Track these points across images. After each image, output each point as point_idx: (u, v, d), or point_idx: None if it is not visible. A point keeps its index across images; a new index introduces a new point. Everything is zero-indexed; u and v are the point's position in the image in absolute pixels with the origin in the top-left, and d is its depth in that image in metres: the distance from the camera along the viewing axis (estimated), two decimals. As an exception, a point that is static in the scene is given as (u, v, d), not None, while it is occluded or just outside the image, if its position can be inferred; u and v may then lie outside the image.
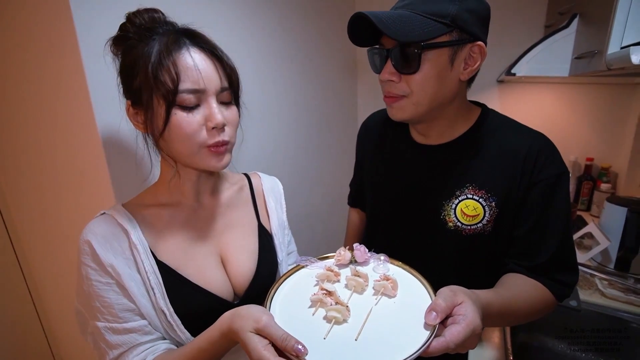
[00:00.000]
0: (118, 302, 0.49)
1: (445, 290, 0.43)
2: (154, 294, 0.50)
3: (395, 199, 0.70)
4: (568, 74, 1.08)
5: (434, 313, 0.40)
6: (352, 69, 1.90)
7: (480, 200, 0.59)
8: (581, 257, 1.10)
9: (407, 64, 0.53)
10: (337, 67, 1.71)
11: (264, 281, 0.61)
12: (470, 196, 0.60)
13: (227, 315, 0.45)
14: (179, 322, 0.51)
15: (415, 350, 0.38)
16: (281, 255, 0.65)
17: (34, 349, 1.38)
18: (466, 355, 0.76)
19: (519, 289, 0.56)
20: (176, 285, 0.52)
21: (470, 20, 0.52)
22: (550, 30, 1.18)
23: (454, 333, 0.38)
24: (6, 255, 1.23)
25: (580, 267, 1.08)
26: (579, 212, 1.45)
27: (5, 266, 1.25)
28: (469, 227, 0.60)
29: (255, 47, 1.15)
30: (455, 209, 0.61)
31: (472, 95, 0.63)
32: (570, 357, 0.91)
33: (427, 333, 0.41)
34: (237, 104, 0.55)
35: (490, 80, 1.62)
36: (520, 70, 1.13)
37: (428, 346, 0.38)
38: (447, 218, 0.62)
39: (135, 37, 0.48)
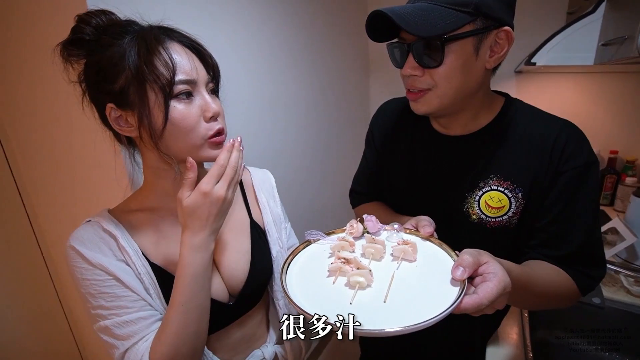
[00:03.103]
0: (123, 294, 0.48)
1: (470, 250, 0.42)
2: (150, 293, 0.50)
3: (415, 191, 0.68)
4: (593, 62, 1.03)
5: (461, 268, 0.40)
6: (365, 64, 1.87)
7: (506, 191, 0.57)
8: (605, 253, 1.06)
9: (430, 57, 0.51)
10: (349, 63, 1.69)
11: (258, 279, 0.60)
12: (494, 187, 0.58)
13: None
14: None
15: (448, 307, 0.37)
16: (275, 250, 0.64)
17: (58, 336, 1.42)
18: (484, 349, 0.75)
19: (540, 268, 0.55)
20: (170, 285, 0.50)
21: (494, 5, 0.49)
22: (574, 17, 1.13)
23: (487, 290, 0.37)
24: (31, 249, 1.27)
25: (604, 264, 1.04)
26: (601, 207, 1.41)
27: (29, 259, 1.29)
28: (493, 220, 0.59)
29: (266, 42, 1.14)
30: (479, 201, 0.59)
31: (491, 85, 0.61)
32: (592, 355, 0.88)
33: (455, 291, 0.40)
34: (218, 96, 0.55)
35: (507, 71, 1.57)
36: (540, 59, 1.09)
37: (460, 302, 0.37)
38: (470, 210, 0.60)
39: (105, 37, 0.45)
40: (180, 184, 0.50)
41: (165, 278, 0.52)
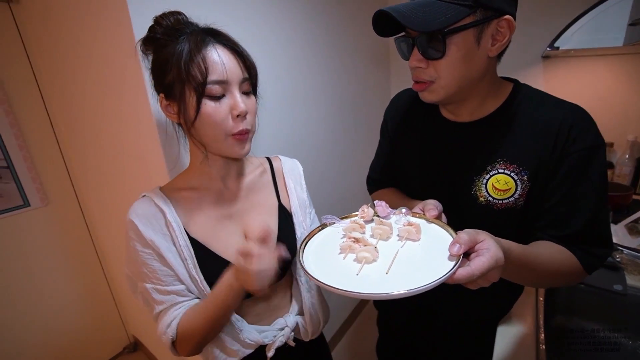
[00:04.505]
0: (160, 269, 0.58)
1: (468, 229, 0.46)
2: (188, 263, 0.59)
3: (426, 177, 0.72)
4: (622, 43, 0.99)
5: (457, 245, 0.44)
6: (386, 58, 1.87)
7: (512, 174, 0.60)
8: (632, 241, 1.03)
9: (434, 50, 0.54)
10: (370, 56, 1.70)
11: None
12: (501, 171, 0.61)
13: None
14: (208, 287, 0.60)
15: (441, 276, 0.42)
16: (300, 232, 0.70)
17: (105, 314, 1.60)
18: (494, 328, 0.77)
19: (543, 247, 0.57)
20: (206, 258, 0.60)
21: None
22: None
23: (479, 263, 0.41)
24: (80, 231, 1.44)
25: (631, 252, 1.01)
26: (636, 197, 1.34)
27: (80, 240, 1.46)
28: (500, 202, 0.61)
29: (286, 37, 1.18)
30: (486, 184, 0.62)
31: (514, 73, 0.61)
32: (611, 342, 0.87)
33: (452, 265, 0.44)
34: (255, 94, 0.61)
35: (533, 56, 1.51)
36: (565, 43, 1.06)
37: (454, 273, 0.42)
38: (478, 193, 0.63)
39: (164, 37, 0.54)
40: (205, 168, 0.60)
41: (201, 250, 0.61)
